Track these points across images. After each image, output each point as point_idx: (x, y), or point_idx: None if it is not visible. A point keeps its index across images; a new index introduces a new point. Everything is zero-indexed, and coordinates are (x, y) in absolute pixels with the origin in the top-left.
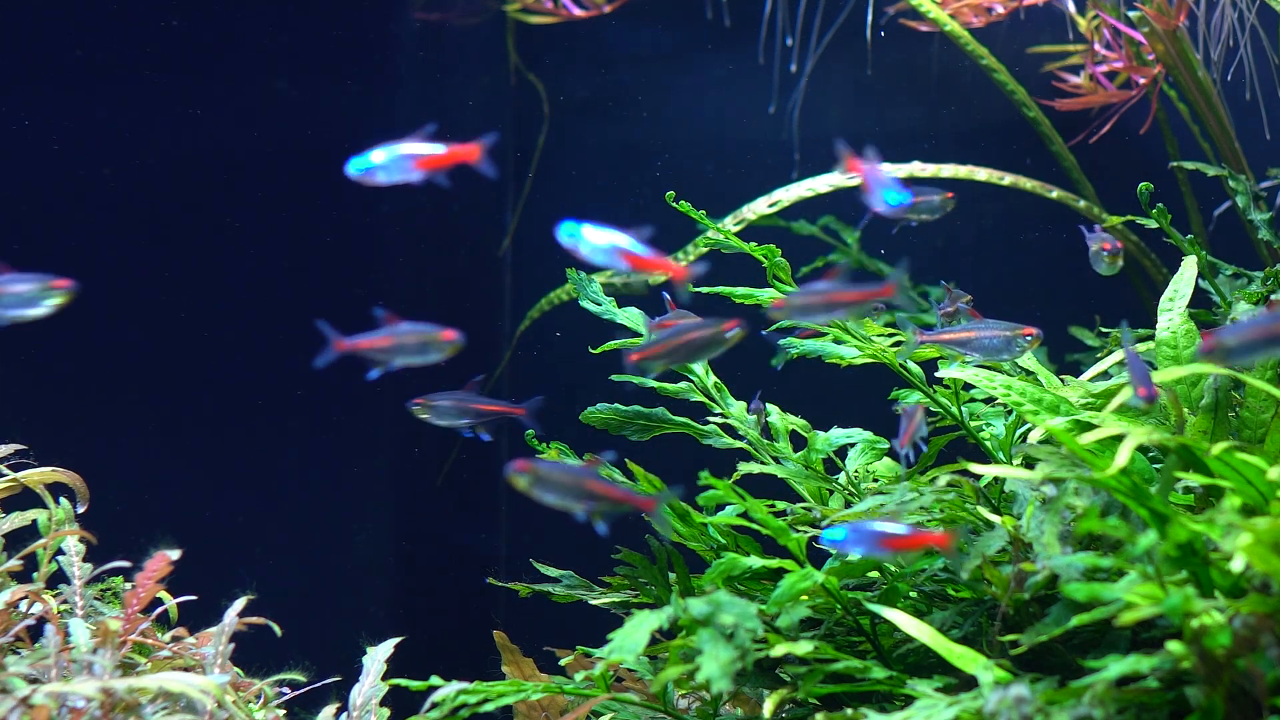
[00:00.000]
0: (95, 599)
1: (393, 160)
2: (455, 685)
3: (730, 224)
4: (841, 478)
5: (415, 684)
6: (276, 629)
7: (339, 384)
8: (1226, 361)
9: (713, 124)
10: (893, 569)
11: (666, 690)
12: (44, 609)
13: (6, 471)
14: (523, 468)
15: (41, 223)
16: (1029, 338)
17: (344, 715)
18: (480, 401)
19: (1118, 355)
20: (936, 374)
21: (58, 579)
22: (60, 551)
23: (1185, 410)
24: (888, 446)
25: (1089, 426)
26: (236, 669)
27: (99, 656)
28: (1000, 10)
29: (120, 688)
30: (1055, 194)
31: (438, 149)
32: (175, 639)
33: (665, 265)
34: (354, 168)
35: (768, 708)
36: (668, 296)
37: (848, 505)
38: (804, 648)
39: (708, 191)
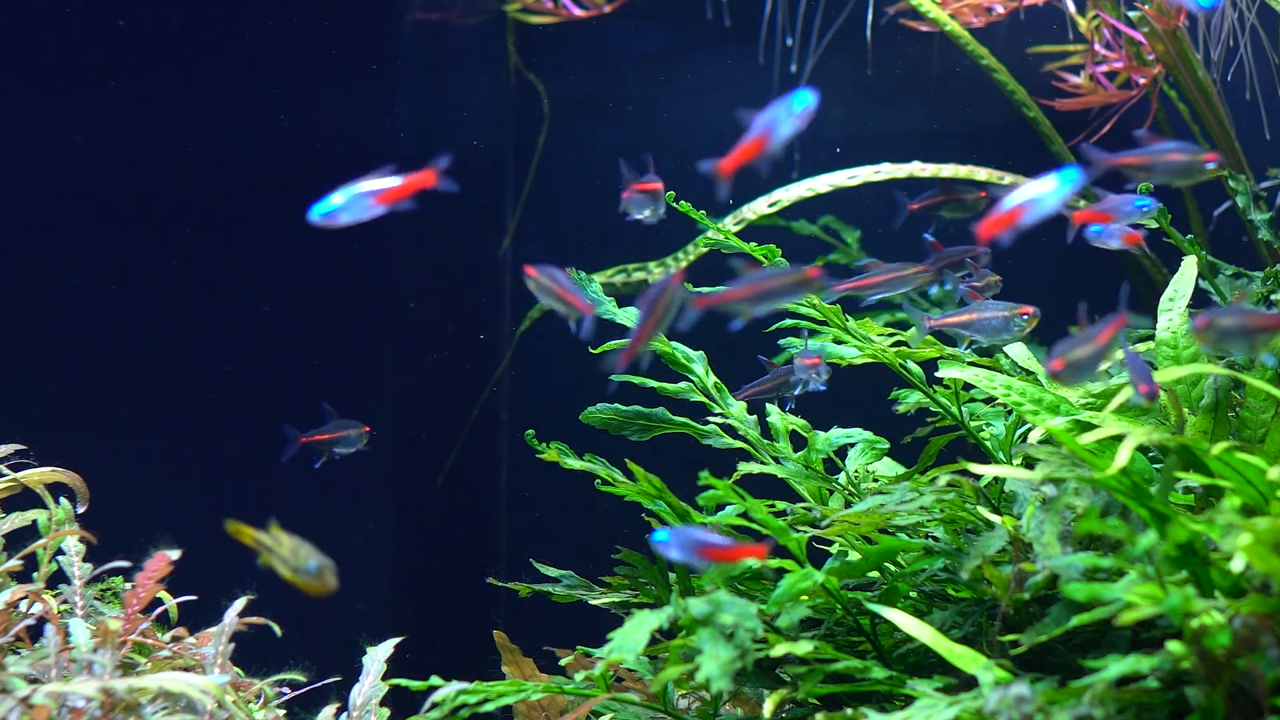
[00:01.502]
0: (95, 599)
1: (352, 199)
2: (455, 685)
3: (730, 224)
4: (841, 478)
5: (415, 684)
6: (276, 629)
7: (339, 384)
8: (1217, 344)
9: (713, 124)
10: (892, 569)
11: (666, 690)
12: (44, 609)
13: (6, 471)
14: (530, 272)
15: (43, 224)
16: (1026, 316)
17: (344, 715)
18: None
19: (1118, 355)
20: (936, 374)
21: (58, 579)
22: (60, 551)
23: (1185, 410)
24: (888, 446)
25: (1089, 426)
26: (236, 669)
27: (99, 656)
28: (1000, 10)
29: (120, 688)
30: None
31: (394, 181)
32: (175, 639)
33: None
34: (317, 213)
35: (768, 708)
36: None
37: (848, 505)
38: (804, 648)
39: (708, 191)
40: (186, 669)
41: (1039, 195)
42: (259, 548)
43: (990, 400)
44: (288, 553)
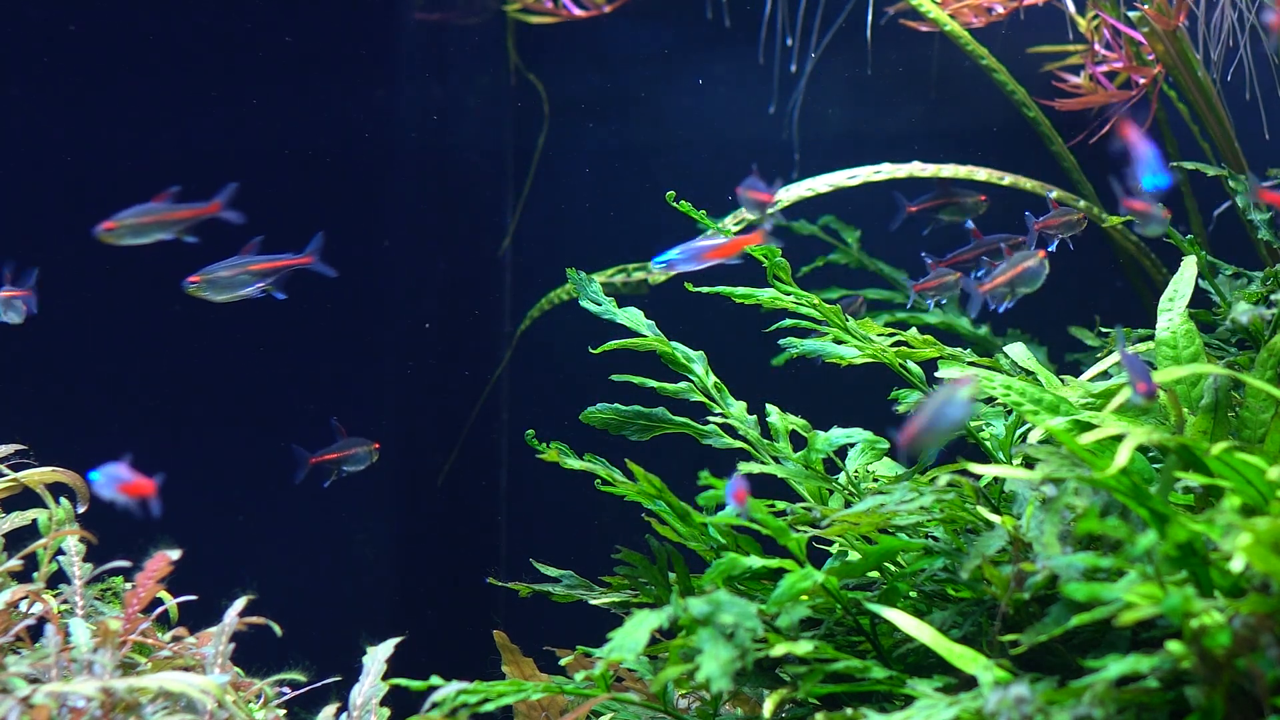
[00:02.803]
0: (95, 599)
1: None
2: (455, 685)
3: (730, 224)
4: (841, 478)
5: (415, 684)
6: (276, 629)
7: (339, 384)
8: (911, 450)
9: (713, 124)
10: (892, 569)
11: (666, 690)
12: (44, 609)
13: (6, 471)
14: (108, 225)
15: (43, 224)
16: (1045, 257)
17: (344, 715)
18: None
19: (1117, 355)
20: (936, 374)
21: (58, 579)
22: (60, 551)
23: (1185, 410)
24: (888, 446)
25: (1089, 426)
26: (237, 669)
27: (99, 656)
28: (1000, 10)
29: (120, 687)
30: (1055, 194)
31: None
32: (175, 639)
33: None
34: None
35: (768, 708)
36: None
37: (848, 505)
38: (804, 647)
39: (708, 191)
40: (187, 669)
41: (1149, 158)
42: None
43: (990, 400)
44: None
